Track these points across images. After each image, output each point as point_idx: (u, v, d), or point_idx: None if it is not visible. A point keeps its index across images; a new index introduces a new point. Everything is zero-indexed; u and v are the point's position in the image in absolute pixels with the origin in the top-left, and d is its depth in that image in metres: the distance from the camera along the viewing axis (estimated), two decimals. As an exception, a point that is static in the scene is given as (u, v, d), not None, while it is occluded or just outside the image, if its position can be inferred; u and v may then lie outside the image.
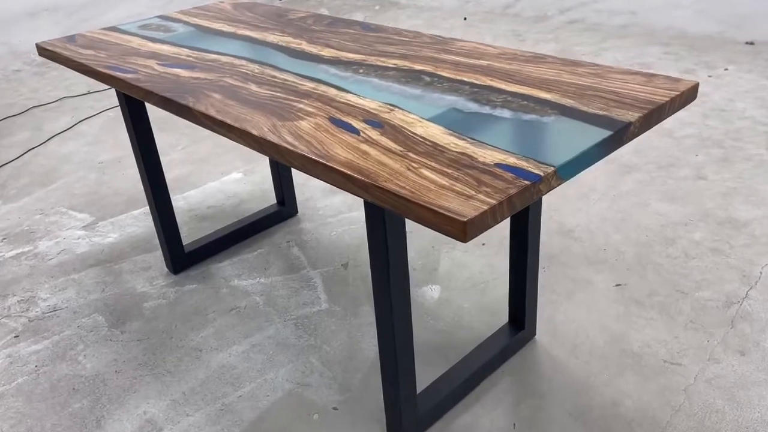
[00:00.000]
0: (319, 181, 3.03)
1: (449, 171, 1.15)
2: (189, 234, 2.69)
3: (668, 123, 3.32)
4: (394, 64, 1.73)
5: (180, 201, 2.97)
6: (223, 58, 1.88)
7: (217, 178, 3.17)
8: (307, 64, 1.77)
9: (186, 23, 2.31)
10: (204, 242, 2.50)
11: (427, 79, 1.61)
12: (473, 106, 1.43)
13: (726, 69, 3.88)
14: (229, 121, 1.44)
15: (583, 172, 2.94)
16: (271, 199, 2.94)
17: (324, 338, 2.04)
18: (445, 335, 2.03)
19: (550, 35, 4.79)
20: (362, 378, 1.89)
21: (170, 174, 3.24)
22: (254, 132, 1.38)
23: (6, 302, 2.33)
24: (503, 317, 2.09)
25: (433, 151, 1.23)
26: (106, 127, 3.86)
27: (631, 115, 1.31)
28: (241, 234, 2.61)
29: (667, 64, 4.04)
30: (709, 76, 3.82)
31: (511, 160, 1.17)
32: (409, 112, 1.42)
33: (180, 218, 2.82)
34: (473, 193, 1.07)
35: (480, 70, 1.63)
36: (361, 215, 2.73)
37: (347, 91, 1.56)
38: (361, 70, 1.70)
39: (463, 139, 1.27)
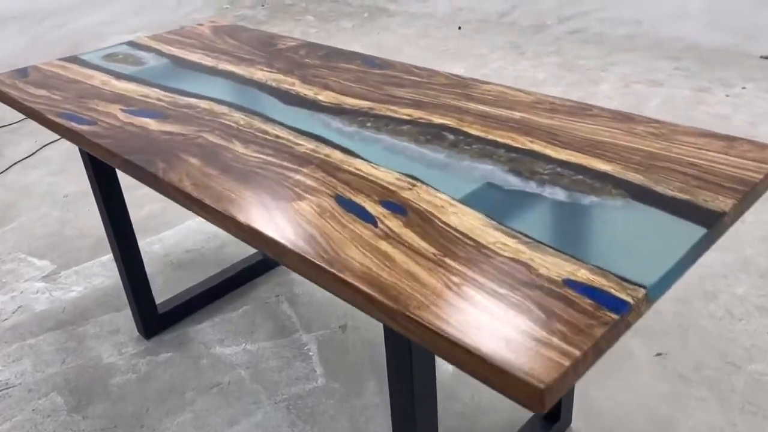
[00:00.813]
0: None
1: (503, 291, 0.86)
2: (164, 286, 2.38)
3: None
4: (408, 115, 1.43)
5: (155, 244, 2.65)
6: (202, 103, 1.57)
7: (195, 216, 2.86)
8: (303, 114, 1.47)
9: (158, 53, 2.00)
10: (180, 300, 2.19)
11: (451, 137, 1.32)
12: (515, 181, 1.14)
13: (744, 87, 3.64)
14: (208, 201, 1.14)
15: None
16: (257, 240, 2.63)
17: (322, 426, 1.75)
18: (465, 420, 1.74)
19: (552, 47, 4.53)
20: (369, 480, 1.60)
21: (143, 211, 2.92)
22: (240, 218, 1.08)
23: (-51, 377, 2.01)
24: (529, 396, 1.81)
25: (477, 255, 0.94)
26: (71, 154, 3.53)
27: (723, 201, 1.03)
28: (224, 288, 2.30)
29: (679, 81, 3.79)
30: (727, 96, 3.57)
31: (583, 274, 0.88)
32: (435, 189, 1.13)
33: (154, 267, 2.50)
34: (544, 334, 0.79)
35: (515, 127, 1.34)
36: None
37: (355, 155, 1.26)
38: (368, 123, 1.41)
39: (513, 236, 0.98)
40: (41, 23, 6.25)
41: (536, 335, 0.78)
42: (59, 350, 2.09)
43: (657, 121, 1.33)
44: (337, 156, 1.27)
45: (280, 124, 1.43)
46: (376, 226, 1.03)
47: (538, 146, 1.25)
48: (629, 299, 0.83)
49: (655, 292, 0.87)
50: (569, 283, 0.87)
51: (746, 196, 1.06)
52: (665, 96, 3.63)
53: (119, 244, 1.99)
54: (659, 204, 1.04)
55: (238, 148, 1.33)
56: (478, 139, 1.30)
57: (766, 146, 1.20)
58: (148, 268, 2.47)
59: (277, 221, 1.06)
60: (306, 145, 1.32)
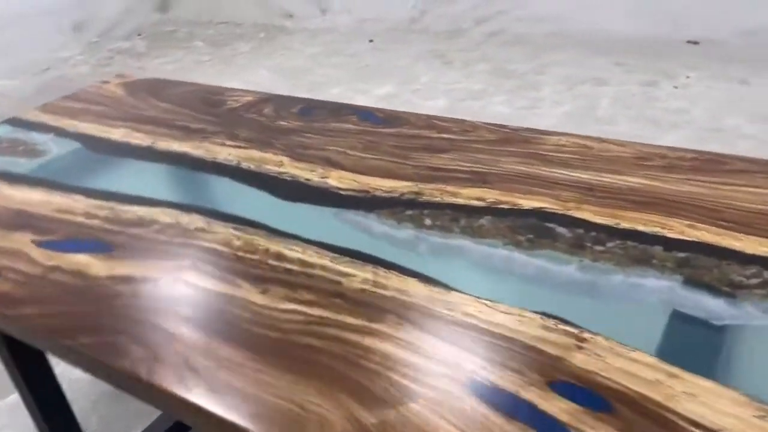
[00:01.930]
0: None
1: None
2: (99, 430, 1.80)
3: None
4: (479, 199, 1.00)
5: (76, 366, 2.04)
6: (159, 213, 1.05)
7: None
8: (319, 214, 1.00)
9: (60, 132, 1.43)
10: (134, 452, 1.64)
11: (565, 232, 0.90)
12: (716, 306, 0.75)
13: (688, 77, 3.47)
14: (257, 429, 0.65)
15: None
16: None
17: None
18: None
19: (475, 53, 4.21)
20: None
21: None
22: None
23: None
24: None
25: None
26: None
27: None
28: (183, 428, 1.76)
29: (624, 77, 3.58)
30: (675, 87, 3.38)
31: None
32: (617, 341, 0.71)
33: (84, 400, 1.90)
34: None
35: (644, 201, 0.94)
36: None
37: (444, 285, 0.82)
38: (427, 220, 0.96)
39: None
40: None
41: None
42: None
43: (830, 172, 0.97)
44: (417, 290, 0.81)
45: (295, 238, 0.95)
46: (577, 446, 0.59)
47: (707, 234, 0.86)
48: None
49: None
50: None
51: None
52: (614, 95, 3.40)
53: (28, 383, 1.42)
54: None
55: (253, 296, 0.84)
56: (606, 230, 0.89)
57: None
58: (77, 404, 1.88)
59: (397, 460, 0.60)
60: (357, 275, 0.85)
